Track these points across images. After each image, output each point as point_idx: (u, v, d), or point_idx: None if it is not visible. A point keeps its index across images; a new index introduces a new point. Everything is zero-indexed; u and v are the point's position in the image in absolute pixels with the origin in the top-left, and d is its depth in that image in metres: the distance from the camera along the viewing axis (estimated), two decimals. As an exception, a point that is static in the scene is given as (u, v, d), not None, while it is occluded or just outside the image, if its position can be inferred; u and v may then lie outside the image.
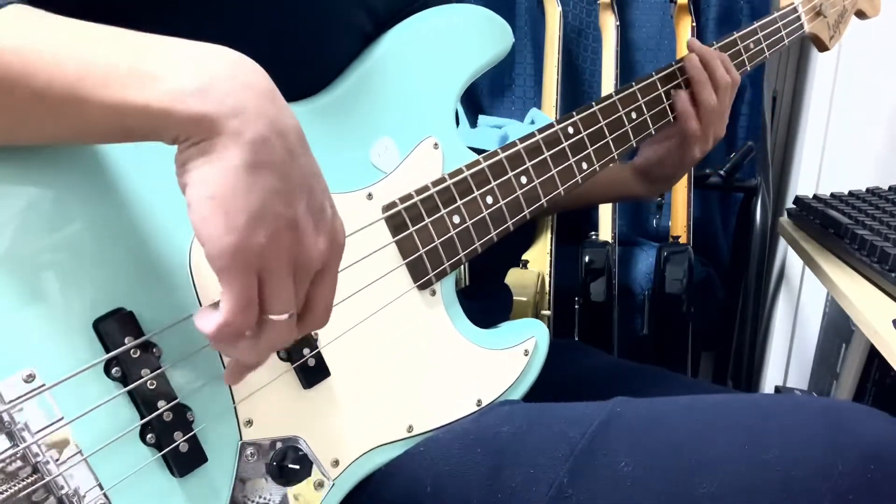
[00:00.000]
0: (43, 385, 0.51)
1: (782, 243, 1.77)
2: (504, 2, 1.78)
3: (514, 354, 0.79)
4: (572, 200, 1.00)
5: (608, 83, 1.70)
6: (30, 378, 0.51)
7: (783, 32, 1.08)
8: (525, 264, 1.49)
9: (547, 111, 1.67)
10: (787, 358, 1.82)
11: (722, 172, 1.66)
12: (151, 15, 0.56)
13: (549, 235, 1.53)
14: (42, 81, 0.47)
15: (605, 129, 0.88)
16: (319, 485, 0.65)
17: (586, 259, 1.54)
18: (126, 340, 0.55)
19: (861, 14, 1.22)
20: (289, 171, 0.50)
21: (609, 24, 1.73)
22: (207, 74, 0.48)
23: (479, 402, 0.76)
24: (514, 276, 1.44)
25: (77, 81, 0.47)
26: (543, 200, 0.82)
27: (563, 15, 1.72)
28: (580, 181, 0.85)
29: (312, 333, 0.65)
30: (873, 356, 1.35)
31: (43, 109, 0.48)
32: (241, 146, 0.48)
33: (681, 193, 1.67)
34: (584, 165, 0.86)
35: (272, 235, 0.49)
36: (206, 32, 0.52)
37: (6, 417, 0.50)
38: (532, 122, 1.56)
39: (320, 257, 0.53)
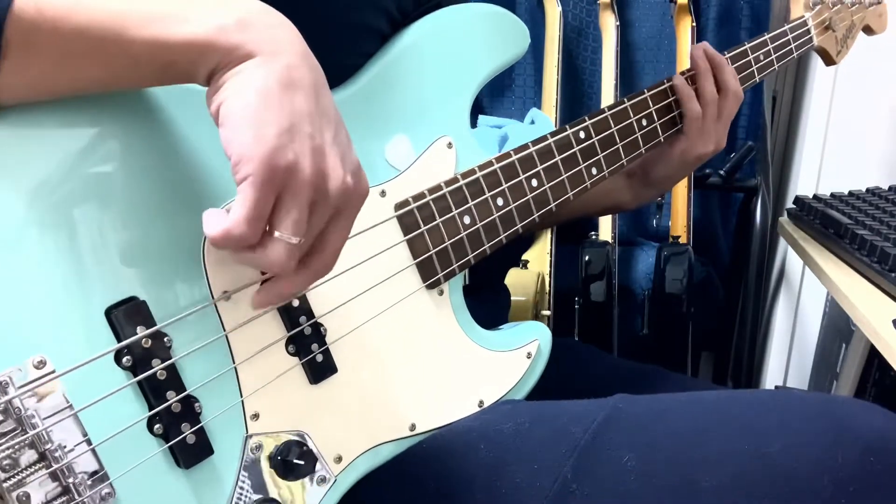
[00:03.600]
0: (53, 371, 0.51)
1: (782, 243, 1.77)
2: (504, 2, 1.78)
3: (516, 357, 0.80)
4: (565, 214, 0.95)
5: (608, 83, 1.71)
6: (41, 364, 0.51)
7: (793, 45, 1.09)
8: (525, 264, 1.49)
9: (547, 111, 1.68)
10: (787, 358, 1.82)
11: (722, 172, 1.66)
12: None
13: (549, 235, 1.53)
14: (85, 19, 0.49)
15: (615, 134, 0.88)
16: (322, 480, 0.65)
17: (586, 259, 1.54)
18: (138, 330, 0.55)
19: (868, 30, 1.23)
20: (319, 99, 0.53)
21: (609, 24, 1.73)
22: (245, 10, 0.52)
23: (482, 402, 0.76)
24: (514, 276, 1.44)
25: (121, 20, 0.49)
26: (553, 204, 0.82)
27: (563, 15, 1.72)
28: (589, 186, 0.85)
29: (321, 329, 0.65)
30: (873, 356, 1.35)
31: (85, 47, 0.49)
32: (277, 66, 0.51)
33: (681, 193, 1.68)
34: (594, 171, 0.86)
35: (299, 155, 0.50)
36: None
37: (16, 403, 0.50)
38: (532, 122, 1.56)
39: (343, 192, 0.53)
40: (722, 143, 0.96)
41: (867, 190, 1.26)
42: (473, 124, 1.50)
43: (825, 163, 1.64)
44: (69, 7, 0.49)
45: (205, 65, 0.51)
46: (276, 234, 0.51)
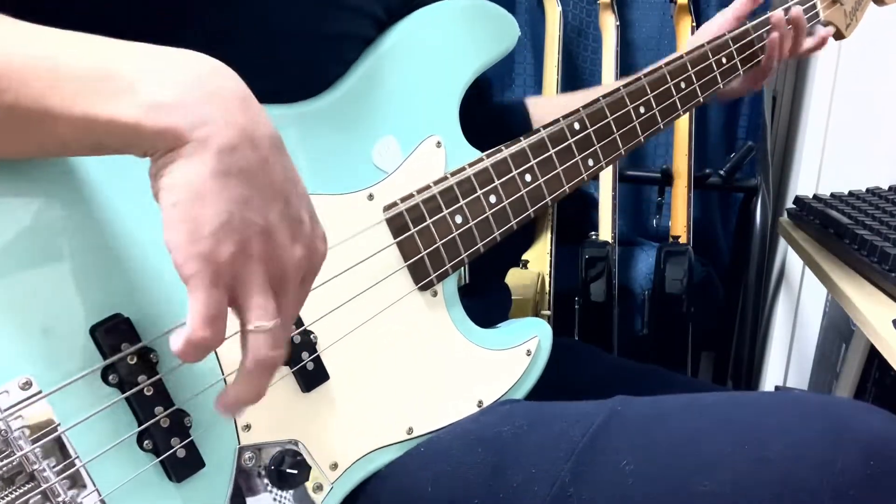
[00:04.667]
0: (40, 392, 0.51)
1: (782, 243, 1.77)
2: (504, 2, 1.78)
3: (516, 354, 0.79)
4: None
5: (608, 83, 1.71)
6: (26, 385, 0.51)
7: None
8: (525, 264, 1.49)
9: (547, 111, 1.67)
10: (787, 358, 1.82)
11: (722, 172, 1.66)
12: (160, 29, 0.56)
13: (549, 235, 1.53)
14: (10, 97, 0.47)
15: (612, 124, 0.85)
16: (318, 488, 0.65)
17: (586, 259, 1.54)
18: (123, 347, 0.54)
19: (880, 0, 1.19)
20: (260, 178, 0.49)
21: (609, 24, 1.73)
22: (176, 84, 0.48)
23: (481, 403, 0.76)
24: (514, 276, 1.44)
25: (44, 96, 0.47)
26: (548, 199, 0.80)
27: (563, 15, 1.72)
28: (586, 179, 0.84)
29: (311, 337, 0.65)
30: (873, 356, 1.35)
31: (12, 124, 0.48)
32: (209, 154, 0.47)
33: (681, 193, 1.67)
34: (591, 162, 0.83)
35: (241, 245, 0.48)
36: (209, 44, 0.52)
37: (2, 425, 0.50)
38: (532, 122, 1.56)
39: (297, 266, 0.52)
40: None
41: (867, 190, 1.26)
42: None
43: (825, 163, 1.64)
44: None
45: (136, 146, 0.48)
46: (250, 326, 0.50)
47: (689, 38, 1.03)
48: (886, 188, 1.26)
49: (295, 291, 0.53)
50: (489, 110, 1.01)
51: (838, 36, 1.15)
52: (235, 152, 0.48)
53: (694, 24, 1.71)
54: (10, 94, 0.47)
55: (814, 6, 1.08)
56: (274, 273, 0.51)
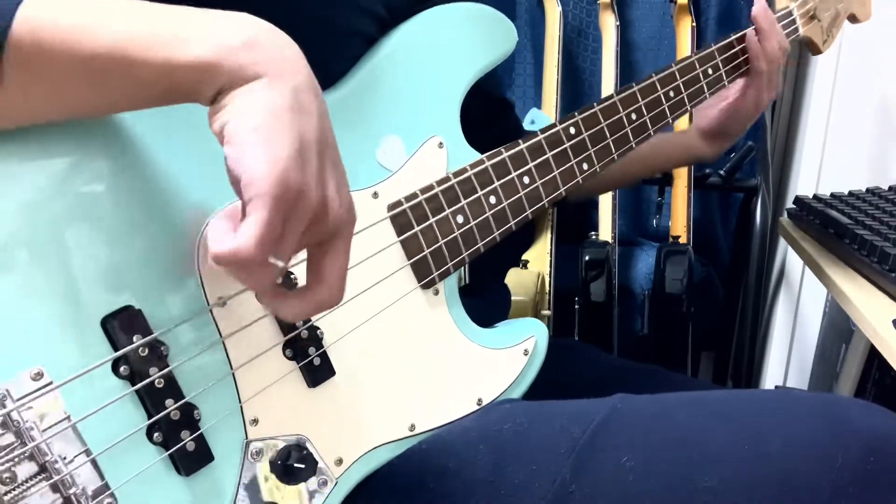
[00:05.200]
0: (51, 383, 0.51)
1: (782, 243, 1.77)
2: (504, 2, 1.79)
3: (513, 354, 0.79)
4: (637, 168, 1.15)
5: (608, 83, 1.71)
6: (38, 376, 0.51)
7: None
8: (525, 264, 1.50)
9: (547, 111, 1.68)
10: (787, 358, 1.82)
11: (722, 172, 1.66)
12: None
13: (549, 235, 1.53)
14: (91, 49, 0.48)
15: (605, 129, 0.87)
16: (323, 483, 0.65)
17: (586, 259, 1.54)
18: (134, 339, 0.55)
19: (853, 18, 1.23)
20: (322, 123, 0.52)
21: (609, 24, 1.73)
22: (250, 30, 0.51)
23: (480, 401, 0.76)
24: (514, 276, 1.44)
25: (123, 47, 0.48)
26: (545, 201, 0.82)
27: (563, 15, 1.72)
28: (581, 182, 0.85)
29: (318, 332, 0.65)
30: (873, 356, 1.35)
31: (86, 74, 0.49)
32: (285, 89, 0.50)
33: (681, 193, 1.68)
34: (585, 166, 0.86)
35: (307, 178, 0.50)
36: None
37: (14, 416, 0.50)
38: (532, 122, 1.56)
39: (337, 219, 0.53)
40: (777, 88, 1.09)
41: (867, 190, 1.26)
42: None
43: (825, 163, 1.64)
44: (69, 35, 0.48)
45: (210, 86, 0.50)
46: (270, 258, 0.50)
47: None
48: (886, 188, 1.26)
49: (314, 238, 0.53)
50: (519, 131, 1.03)
51: (815, 51, 1.21)
52: (306, 94, 0.51)
53: (694, 24, 1.71)
54: (89, 47, 0.48)
55: (793, 22, 1.12)
56: (317, 217, 0.52)
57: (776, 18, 1.08)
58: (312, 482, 0.64)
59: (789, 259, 1.78)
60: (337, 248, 0.55)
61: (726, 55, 1.02)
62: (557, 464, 0.65)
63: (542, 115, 1.58)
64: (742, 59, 1.04)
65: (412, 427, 0.72)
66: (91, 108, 0.52)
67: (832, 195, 1.25)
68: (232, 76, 0.50)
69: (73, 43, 0.48)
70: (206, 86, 0.50)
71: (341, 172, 0.54)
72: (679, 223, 1.67)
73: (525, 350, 0.80)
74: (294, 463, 0.62)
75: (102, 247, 0.55)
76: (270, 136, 0.48)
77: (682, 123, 1.66)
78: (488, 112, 0.93)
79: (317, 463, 0.64)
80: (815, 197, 1.25)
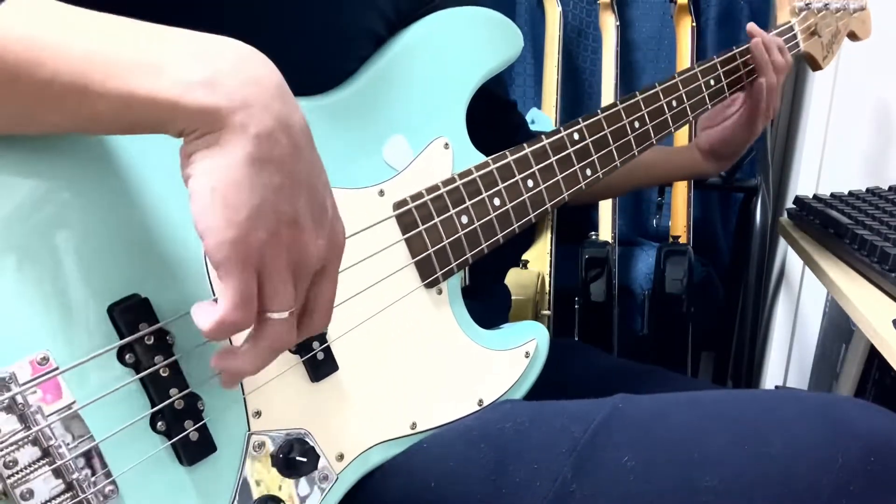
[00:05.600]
0: (56, 368, 0.52)
1: (782, 243, 1.77)
2: (504, 2, 1.79)
3: (515, 356, 0.80)
4: (639, 179, 1.17)
5: (608, 83, 1.71)
6: (43, 361, 0.51)
7: None
8: (525, 264, 1.50)
9: (547, 111, 1.68)
10: (787, 358, 1.82)
11: (722, 172, 1.66)
12: (169, 21, 0.56)
13: (549, 235, 1.53)
14: (48, 72, 0.46)
15: (609, 136, 0.88)
16: (324, 478, 0.65)
17: (586, 259, 1.54)
18: (140, 327, 0.55)
19: (853, 35, 1.24)
20: (293, 167, 0.50)
21: (609, 24, 1.73)
22: (215, 67, 0.48)
23: (481, 401, 0.76)
24: (514, 276, 1.44)
25: (83, 72, 0.47)
26: (548, 205, 0.83)
27: (563, 15, 1.72)
28: (584, 187, 0.86)
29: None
30: (873, 356, 1.35)
31: (48, 100, 0.47)
32: (247, 140, 0.48)
33: (681, 193, 1.68)
34: (589, 172, 0.86)
35: (272, 232, 0.49)
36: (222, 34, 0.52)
37: (19, 399, 0.50)
38: (532, 122, 1.56)
39: (319, 256, 0.52)
40: (777, 106, 1.10)
41: (867, 190, 1.26)
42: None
43: (825, 163, 1.64)
44: (32, 61, 0.46)
45: (172, 124, 0.48)
46: (268, 315, 0.51)
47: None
48: (886, 188, 1.26)
49: (308, 280, 0.53)
50: (523, 132, 1.04)
51: (815, 67, 1.23)
52: (271, 139, 0.49)
53: (694, 24, 1.71)
54: (47, 68, 0.46)
55: (794, 37, 1.13)
56: (297, 261, 0.51)
57: (776, 33, 1.09)
58: (313, 477, 0.64)
59: (789, 259, 1.78)
60: (324, 280, 0.54)
61: (728, 67, 1.04)
62: (558, 463, 0.66)
63: (542, 115, 1.59)
64: (744, 71, 1.06)
65: (413, 425, 0.72)
66: (57, 130, 0.52)
67: (832, 195, 1.25)
68: (191, 120, 0.48)
69: (33, 63, 0.46)
70: (167, 125, 0.49)
71: (319, 208, 0.52)
72: (679, 223, 1.67)
73: (526, 352, 0.80)
74: (296, 456, 0.62)
75: (110, 234, 0.55)
76: (225, 199, 0.47)
77: (681, 136, 1.67)
78: (493, 113, 0.93)
79: (318, 457, 0.64)
80: (815, 197, 1.25)
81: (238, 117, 0.47)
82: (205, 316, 0.49)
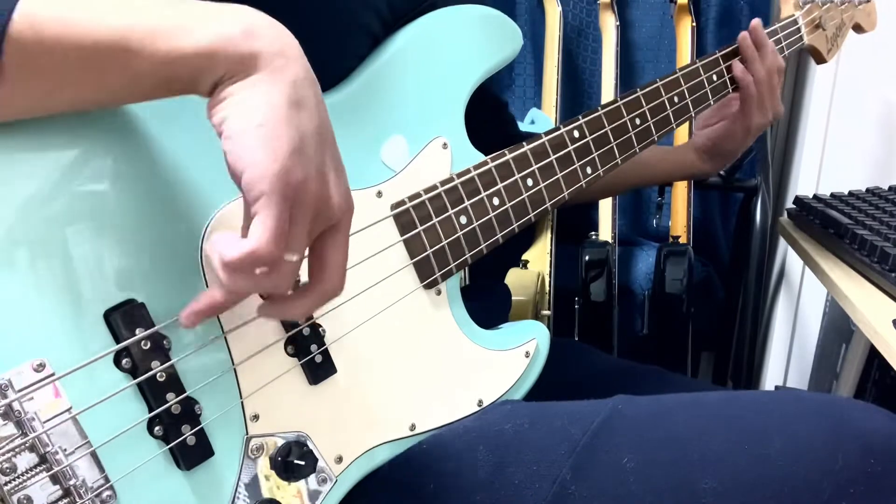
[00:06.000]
0: (53, 374, 0.52)
1: (782, 243, 1.77)
2: (504, 2, 1.79)
3: (515, 356, 0.80)
4: (635, 179, 1.15)
5: (608, 83, 1.71)
6: (40, 367, 0.51)
7: (784, 44, 1.10)
8: (525, 264, 1.49)
9: (547, 111, 1.68)
10: (787, 358, 1.82)
11: (722, 172, 1.66)
12: None
13: (549, 235, 1.53)
14: (84, 39, 0.48)
15: (609, 134, 0.88)
16: (322, 481, 0.65)
17: (586, 259, 1.54)
18: (137, 332, 0.55)
19: (858, 28, 1.24)
20: (321, 117, 0.53)
21: (609, 24, 1.73)
22: (250, 20, 0.51)
23: (481, 402, 0.76)
24: (514, 276, 1.44)
25: (120, 37, 0.48)
26: (548, 203, 0.82)
27: (563, 15, 1.72)
28: (584, 185, 0.85)
29: (320, 330, 0.65)
30: (873, 356, 1.35)
31: (86, 66, 0.49)
32: (285, 83, 0.50)
33: (681, 193, 1.68)
34: (589, 170, 0.86)
35: (307, 174, 0.50)
36: None
37: (16, 406, 0.50)
38: (532, 122, 1.56)
39: (338, 210, 0.54)
40: (779, 110, 1.08)
41: (867, 190, 1.26)
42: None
43: (825, 163, 1.64)
44: (68, 27, 0.48)
45: (210, 75, 0.50)
46: (285, 256, 0.51)
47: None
48: (886, 188, 1.26)
49: (317, 232, 0.54)
50: (517, 136, 1.03)
51: (820, 60, 1.22)
52: (305, 87, 0.52)
53: (694, 24, 1.71)
54: (89, 35, 0.48)
55: (798, 30, 1.13)
56: (318, 210, 0.52)
57: (780, 27, 1.08)
58: (312, 480, 0.64)
59: (789, 259, 1.78)
60: (337, 238, 0.55)
61: (731, 63, 1.03)
62: (558, 465, 0.65)
63: (542, 115, 1.58)
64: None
65: (412, 427, 0.72)
66: (91, 100, 0.52)
67: (832, 195, 1.25)
68: (231, 66, 0.50)
69: (72, 34, 0.48)
70: (205, 75, 0.50)
71: (339, 164, 0.55)
72: (679, 223, 1.67)
73: (526, 352, 0.80)
74: (294, 460, 0.62)
75: (106, 240, 0.55)
76: (270, 134, 0.49)
77: (681, 133, 1.66)
78: (486, 112, 0.93)
79: (317, 460, 0.64)
80: (815, 197, 1.25)
81: (276, 62, 0.50)
82: (233, 246, 0.49)
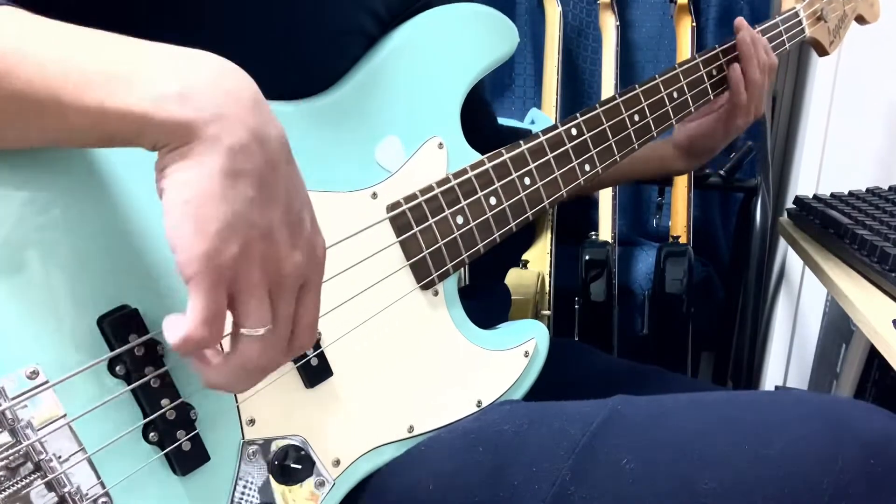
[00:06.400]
0: (46, 382, 0.51)
1: (782, 243, 1.77)
2: (504, 2, 1.79)
3: (514, 355, 0.79)
4: (610, 177, 1.06)
5: (608, 83, 1.71)
6: (33, 375, 0.51)
7: (785, 37, 1.09)
8: (525, 264, 1.49)
9: (547, 111, 1.68)
10: (787, 358, 1.82)
11: (722, 172, 1.66)
12: (163, 23, 0.56)
13: (549, 235, 1.53)
14: (22, 83, 0.46)
15: (608, 131, 0.87)
16: (320, 484, 0.65)
17: (586, 259, 1.54)
18: (130, 338, 0.55)
19: (861, 19, 1.23)
20: (267, 180, 0.49)
21: (609, 24, 1.73)
22: (188, 80, 0.48)
23: (480, 402, 0.76)
24: (514, 276, 1.44)
25: (57, 85, 0.46)
26: (546, 202, 0.82)
27: (563, 15, 1.72)
28: (582, 183, 0.85)
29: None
30: (873, 356, 1.35)
31: (23, 112, 0.47)
32: (220, 152, 0.47)
33: (681, 193, 1.67)
34: (587, 168, 0.85)
35: (244, 246, 0.48)
36: (212, 41, 0.52)
37: (9, 414, 0.50)
38: (532, 122, 1.56)
39: (296, 271, 0.52)
40: (760, 110, 1.05)
41: (867, 190, 1.26)
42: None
43: (825, 163, 1.64)
44: (7, 72, 0.46)
45: (145, 139, 0.48)
46: (242, 330, 0.50)
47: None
48: (886, 188, 1.26)
49: (290, 298, 0.52)
50: (500, 130, 1.03)
51: (822, 52, 1.21)
52: (246, 151, 0.48)
53: (694, 24, 1.71)
54: (21, 81, 0.46)
55: (799, 23, 1.12)
56: (272, 278, 0.50)
57: (781, 19, 1.07)
58: (310, 483, 0.64)
59: (789, 259, 1.78)
60: (306, 298, 0.54)
61: (730, 57, 1.02)
62: (557, 465, 0.65)
63: (542, 115, 1.58)
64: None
65: (411, 428, 0.71)
66: (37, 143, 0.51)
67: (832, 195, 1.25)
68: (164, 133, 0.47)
69: (5, 74, 0.46)
70: (140, 139, 0.48)
71: (296, 221, 0.52)
72: (679, 223, 1.67)
73: (525, 352, 0.80)
74: (291, 463, 0.62)
75: (98, 246, 0.55)
76: (199, 212, 0.47)
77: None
78: (470, 112, 0.92)
79: (314, 464, 0.64)
80: (815, 197, 1.25)
81: (211, 130, 0.47)
82: (173, 330, 0.48)
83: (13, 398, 0.50)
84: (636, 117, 0.90)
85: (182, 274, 0.47)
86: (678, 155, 1.13)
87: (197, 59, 0.49)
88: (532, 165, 0.80)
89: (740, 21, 1.03)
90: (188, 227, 0.47)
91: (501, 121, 1.50)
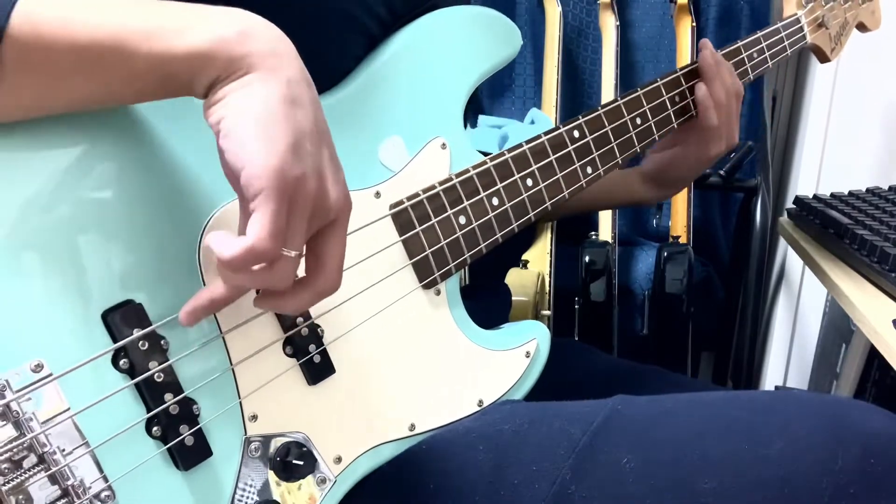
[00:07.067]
0: (51, 375, 0.51)
1: (782, 243, 1.77)
2: (504, 2, 1.79)
3: (515, 356, 0.79)
4: (573, 205, 1.01)
5: (608, 83, 1.71)
6: (38, 368, 0.51)
7: (786, 43, 1.09)
8: (525, 264, 1.49)
9: (547, 111, 1.68)
10: (787, 358, 1.82)
11: (722, 172, 1.66)
12: None
13: (549, 235, 1.53)
14: (82, 37, 0.48)
15: (610, 133, 0.87)
16: (322, 481, 0.65)
17: (586, 259, 1.54)
18: (134, 332, 0.55)
19: (862, 27, 1.23)
20: (316, 113, 0.53)
21: (609, 24, 1.73)
22: (245, 22, 0.52)
23: (481, 402, 0.76)
24: (514, 276, 1.44)
25: (118, 36, 0.49)
26: (548, 203, 0.82)
27: (563, 15, 1.72)
28: (584, 185, 0.85)
29: (318, 330, 0.65)
30: (873, 356, 1.35)
31: (83, 65, 0.49)
32: (280, 81, 0.51)
33: (681, 193, 1.68)
34: (589, 170, 0.85)
35: (303, 171, 0.50)
36: None
37: (14, 406, 0.50)
38: (532, 122, 1.56)
39: (336, 206, 0.54)
40: (734, 139, 0.99)
41: (867, 190, 1.26)
42: (474, 124, 1.50)
43: (825, 163, 1.64)
44: (66, 25, 0.48)
45: (205, 76, 0.51)
46: (283, 251, 0.51)
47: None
48: (886, 188, 1.26)
49: (315, 229, 0.54)
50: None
51: (823, 59, 1.20)
52: (300, 85, 0.52)
53: (694, 24, 1.71)
54: (86, 34, 0.48)
55: (801, 29, 1.11)
56: (315, 206, 0.52)
57: (782, 26, 1.06)
58: (311, 480, 0.64)
59: (789, 259, 1.78)
60: (335, 234, 0.55)
61: (735, 60, 1.01)
62: (557, 465, 0.65)
63: (542, 115, 1.58)
64: (748, 66, 1.03)
65: (412, 427, 0.72)
66: (88, 100, 0.53)
67: (832, 195, 1.25)
68: (226, 67, 0.51)
69: (70, 33, 0.48)
70: (200, 76, 0.51)
71: (336, 162, 0.55)
72: (679, 223, 1.67)
73: (527, 352, 0.80)
74: (293, 460, 0.62)
75: (104, 240, 0.55)
76: (268, 130, 0.49)
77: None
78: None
79: (316, 460, 0.64)
80: (815, 197, 1.25)
81: (269, 62, 0.51)
82: (230, 244, 0.49)
83: (18, 391, 0.50)
84: (638, 120, 0.90)
85: (251, 188, 0.49)
86: (647, 185, 1.06)
87: (241, 11, 0.53)
88: (534, 167, 0.81)
89: (705, 42, 0.98)
90: (259, 143, 0.49)
91: (501, 120, 1.51)
